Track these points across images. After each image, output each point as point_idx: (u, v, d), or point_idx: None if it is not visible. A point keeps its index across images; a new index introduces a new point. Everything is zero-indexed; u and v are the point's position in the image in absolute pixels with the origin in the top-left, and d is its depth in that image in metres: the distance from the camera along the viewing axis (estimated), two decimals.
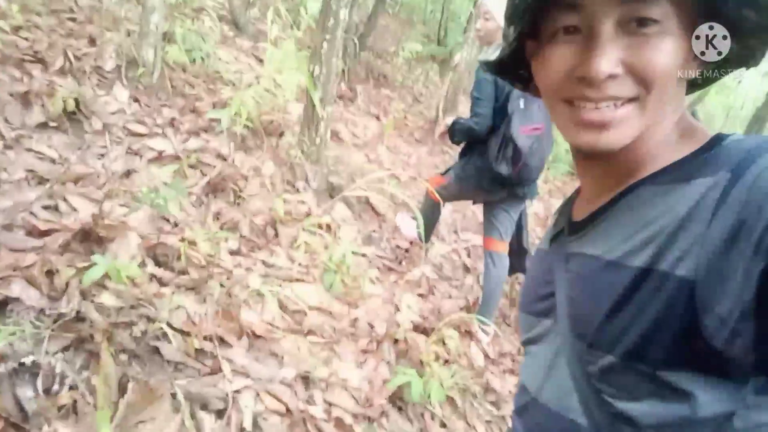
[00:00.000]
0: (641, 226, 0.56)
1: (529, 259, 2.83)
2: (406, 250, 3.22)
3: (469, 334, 2.75)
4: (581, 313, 0.61)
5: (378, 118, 5.07)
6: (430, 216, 3.11)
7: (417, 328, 2.50)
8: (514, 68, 0.71)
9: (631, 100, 0.55)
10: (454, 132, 2.65)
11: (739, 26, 0.55)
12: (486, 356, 2.70)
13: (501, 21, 2.30)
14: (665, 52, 0.53)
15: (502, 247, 2.76)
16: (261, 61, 4.70)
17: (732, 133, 0.57)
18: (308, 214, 2.74)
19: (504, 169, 2.50)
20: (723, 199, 0.48)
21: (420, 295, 2.93)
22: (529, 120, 2.45)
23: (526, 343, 0.77)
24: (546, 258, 0.75)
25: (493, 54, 0.70)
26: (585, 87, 0.55)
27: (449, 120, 2.74)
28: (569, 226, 0.71)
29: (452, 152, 5.22)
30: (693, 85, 0.67)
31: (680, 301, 0.49)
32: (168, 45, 3.38)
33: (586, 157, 0.66)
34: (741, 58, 0.60)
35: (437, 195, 2.79)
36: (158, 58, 3.12)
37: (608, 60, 0.53)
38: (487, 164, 2.55)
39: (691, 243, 0.50)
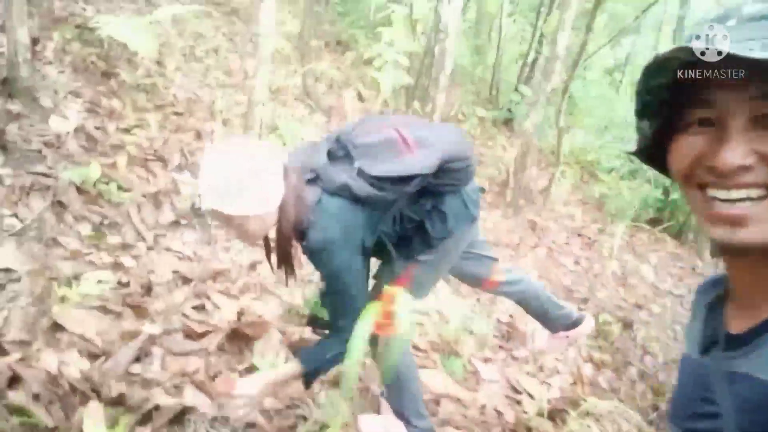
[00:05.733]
0: None
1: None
2: (509, 325, 3.21)
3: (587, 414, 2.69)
4: None
5: None
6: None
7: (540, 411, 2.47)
8: (659, 158, 0.72)
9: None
10: (325, 368, 1.61)
11: None
12: None
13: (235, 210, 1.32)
14: None
15: None
16: None
17: None
18: None
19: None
20: None
21: (527, 373, 2.89)
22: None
23: None
24: (700, 370, 0.71)
25: (633, 147, 0.72)
26: (715, 176, 0.57)
27: (293, 366, 1.59)
28: (727, 340, 0.67)
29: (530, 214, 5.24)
30: None
31: None
32: (267, 133, 3.57)
33: (728, 253, 0.65)
34: None
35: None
36: None
37: (738, 152, 0.55)
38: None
39: None
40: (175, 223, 2.57)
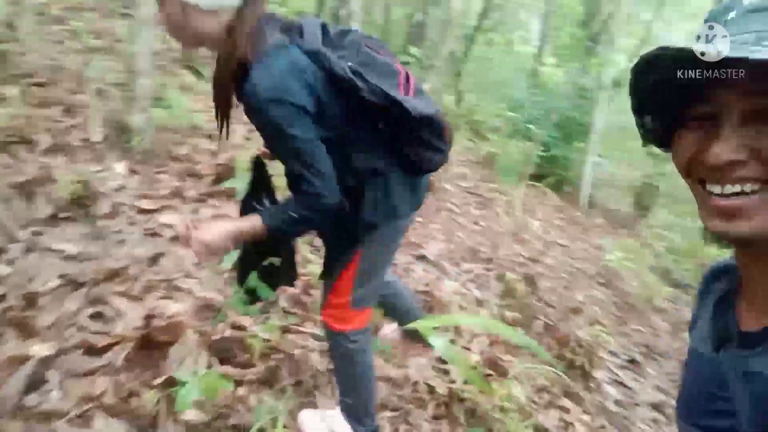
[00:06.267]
0: None
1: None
2: (426, 294, 3.21)
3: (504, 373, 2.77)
4: None
5: None
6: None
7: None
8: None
9: (763, 183, 0.55)
10: (288, 230, 1.35)
11: None
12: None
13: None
14: None
15: None
16: None
17: None
18: None
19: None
20: None
21: (450, 341, 2.92)
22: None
23: None
24: (714, 368, 0.70)
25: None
26: (708, 171, 0.58)
27: (256, 219, 1.34)
28: (740, 338, 0.67)
29: None
30: None
31: None
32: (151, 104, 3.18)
33: (729, 245, 0.65)
34: None
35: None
36: (149, 122, 2.93)
37: (727, 147, 0.55)
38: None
39: None
40: (54, 218, 2.20)
